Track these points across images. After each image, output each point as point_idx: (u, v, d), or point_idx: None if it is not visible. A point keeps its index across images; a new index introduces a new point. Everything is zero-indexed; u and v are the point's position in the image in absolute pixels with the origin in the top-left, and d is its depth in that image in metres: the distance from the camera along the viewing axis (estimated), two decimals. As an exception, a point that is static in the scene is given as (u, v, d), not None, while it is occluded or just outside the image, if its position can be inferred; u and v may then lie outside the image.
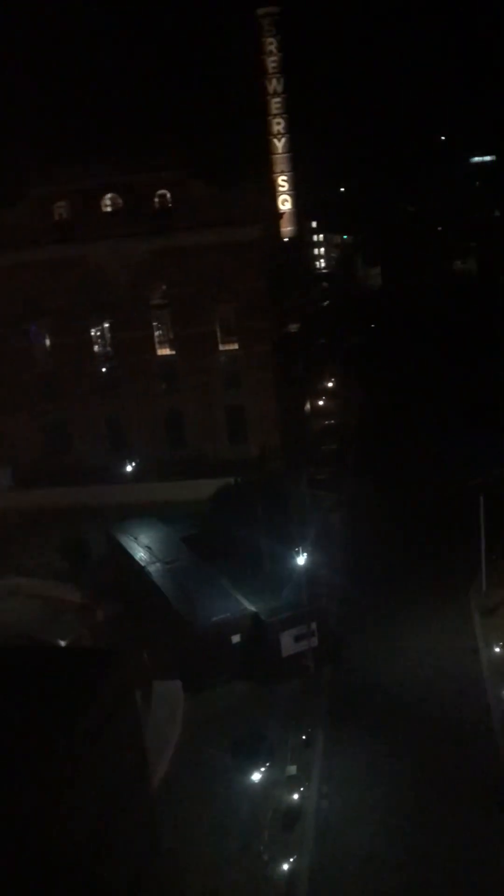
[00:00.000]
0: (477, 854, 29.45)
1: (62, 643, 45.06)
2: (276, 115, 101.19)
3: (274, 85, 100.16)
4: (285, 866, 29.26)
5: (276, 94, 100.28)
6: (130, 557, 49.85)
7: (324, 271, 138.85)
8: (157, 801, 23.06)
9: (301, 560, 41.21)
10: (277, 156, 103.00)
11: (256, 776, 30.70)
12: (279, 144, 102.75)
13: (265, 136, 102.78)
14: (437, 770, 33.95)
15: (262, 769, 32.01)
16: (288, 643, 41.52)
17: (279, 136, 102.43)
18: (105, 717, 16.39)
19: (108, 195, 68.45)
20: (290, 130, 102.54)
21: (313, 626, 41.48)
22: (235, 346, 69.65)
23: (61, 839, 10.84)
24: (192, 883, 28.32)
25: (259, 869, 28.86)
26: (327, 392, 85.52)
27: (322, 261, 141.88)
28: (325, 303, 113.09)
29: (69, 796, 14.31)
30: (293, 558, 41.62)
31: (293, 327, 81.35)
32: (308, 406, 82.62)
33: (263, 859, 29.18)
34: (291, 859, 29.65)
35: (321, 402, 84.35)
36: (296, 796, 32.77)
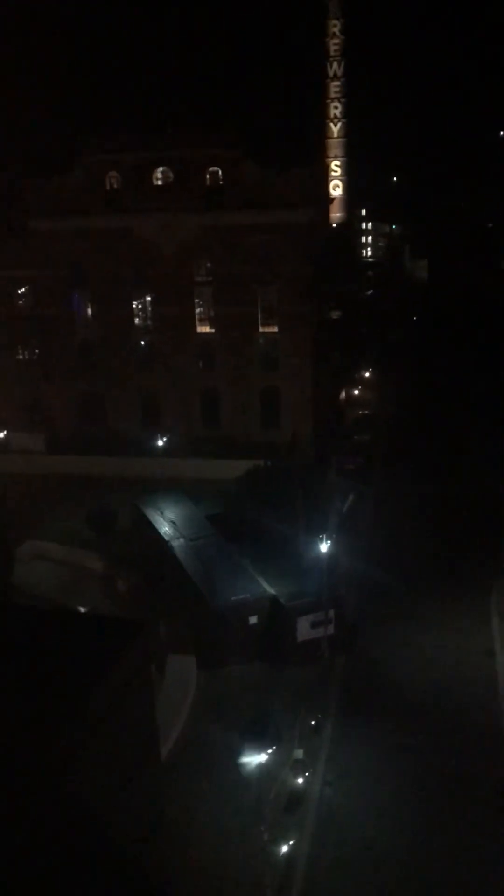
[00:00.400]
0: (478, 854, 29.43)
1: (82, 610, 45.68)
2: (333, 99, 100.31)
3: (334, 68, 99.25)
4: (285, 848, 29.54)
5: (335, 77, 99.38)
6: (155, 531, 50.27)
7: (370, 260, 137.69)
8: (163, 774, 23.42)
9: (324, 548, 41.21)
10: (332, 140, 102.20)
11: (263, 757, 30.92)
12: (335, 128, 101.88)
13: (321, 119, 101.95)
14: (444, 768, 33.91)
15: (269, 751, 32.21)
16: (304, 628, 41.65)
17: (335, 121, 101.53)
18: (121, 685, 16.60)
19: (160, 168, 68.40)
20: (347, 115, 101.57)
21: (331, 613, 41.56)
22: (275, 329, 69.51)
23: (69, 805, 11.03)
24: (193, 856, 28.76)
25: (259, 848, 29.14)
26: (364, 382, 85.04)
27: (369, 249, 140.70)
28: (369, 292, 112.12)
29: (81, 760, 14.55)
30: (316, 545, 41.63)
31: (335, 314, 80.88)
32: (343, 395, 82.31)
33: (264, 839, 29.44)
34: (291, 842, 29.92)
35: (357, 392, 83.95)
36: (300, 781, 33.01)
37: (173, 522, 50.71)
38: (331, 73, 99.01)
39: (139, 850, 17.22)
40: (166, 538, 48.91)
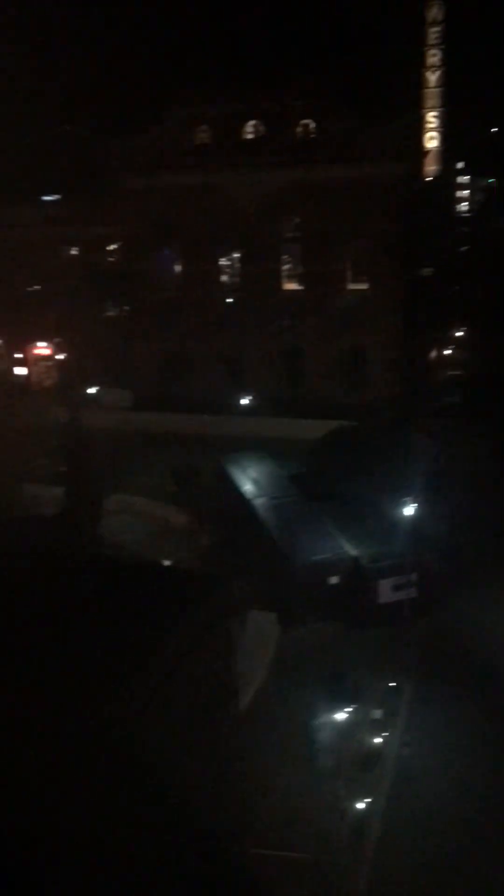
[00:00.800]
0: None
1: (165, 563, 46.54)
2: (432, 46, 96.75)
3: (434, 12, 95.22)
4: (359, 805, 29.67)
5: (435, 22, 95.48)
6: (237, 489, 50.51)
7: (465, 216, 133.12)
8: (240, 726, 23.78)
9: (408, 510, 40.54)
10: (429, 90, 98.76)
11: (341, 715, 30.96)
12: (432, 78, 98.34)
13: (418, 68, 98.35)
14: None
15: (347, 709, 32.23)
16: (386, 590, 41.29)
17: (433, 69, 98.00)
18: (201, 636, 16.86)
19: (251, 122, 67.36)
20: (446, 63, 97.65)
21: (414, 576, 41.02)
22: (365, 286, 68.16)
23: (146, 748, 11.24)
24: (266, 807, 29.22)
25: (334, 803, 29.37)
26: (455, 342, 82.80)
27: (465, 205, 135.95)
28: (463, 248, 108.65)
29: (157, 707, 14.82)
30: (400, 508, 41.00)
31: (427, 271, 78.79)
32: (433, 354, 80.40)
33: (339, 795, 29.63)
34: (366, 799, 30.03)
35: (447, 352, 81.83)
36: (378, 740, 33.01)
37: (256, 481, 50.82)
38: (430, 19, 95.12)
39: (212, 801, 17.54)
40: (248, 496, 49.09)
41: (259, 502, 48.25)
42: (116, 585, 17.25)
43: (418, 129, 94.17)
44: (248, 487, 50.24)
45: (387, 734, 33.49)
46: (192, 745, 16.10)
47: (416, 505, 41.13)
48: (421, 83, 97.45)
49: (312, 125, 66.00)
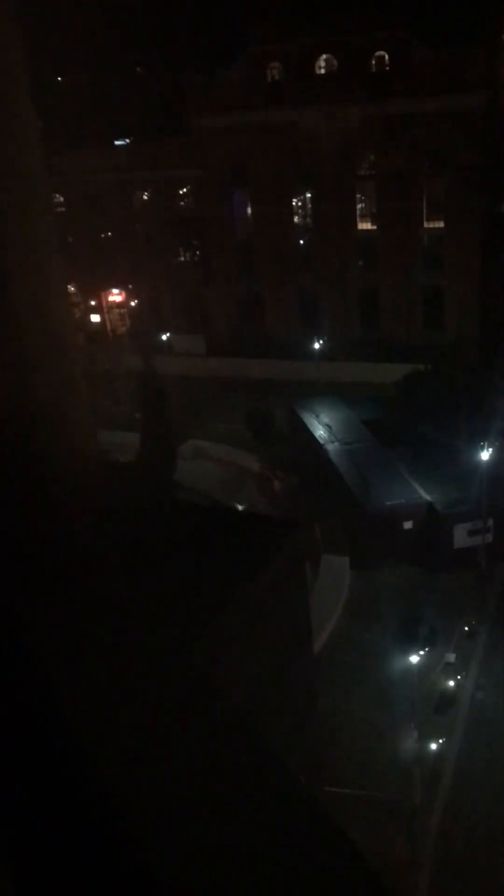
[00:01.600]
0: None
1: (239, 507, 47.17)
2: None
3: None
4: (434, 746, 30.08)
5: None
6: (311, 434, 50.52)
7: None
8: (317, 669, 24.26)
9: (485, 455, 39.92)
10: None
11: (415, 658, 31.25)
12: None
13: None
14: None
15: (422, 652, 32.48)
16: (461, 536, 41.05)
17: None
18: (275, 580, 17.18)
19: (323, 56, 65.23)
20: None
21: (490, 522, 40.60)
22: (441, 225, 66.11)
23: (224, 693, 11.68)
24: (343, 746, 29.92)
25: (409, 744, 29.83)
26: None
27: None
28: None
29: (235, 650, 15.27)
30: (477, 453, 40.39)
31: (507, 208, 75.72)
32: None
33: (414, 735, 30.07)
34: (441, 741, 30.40)
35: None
36: (452, 683, 33.23)
37: (329, 426, 50.71)
38: None
39: (292, 739, 18.05)
40: (322, 442, 49.08)
41: (333, 447, 48.24)
42: (194, 531, 17.63)
43: (499, 56, 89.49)
44: (321, 433, 50.21)
45: (461, 677, 33.68)
46: (270, 686, 16.57)
47: (492, 451, 40.46)
48: (501, 6, 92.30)
49: (386, 57, 63.53)
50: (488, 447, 40.09)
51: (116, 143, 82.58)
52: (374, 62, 64.37)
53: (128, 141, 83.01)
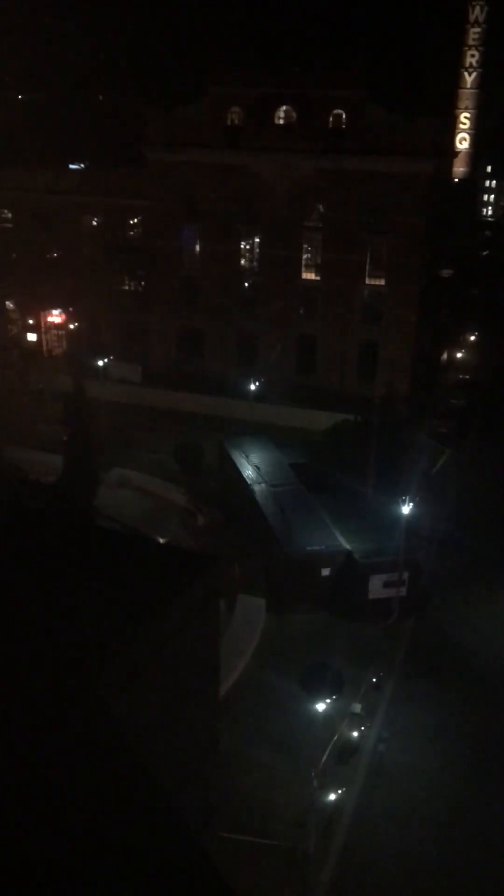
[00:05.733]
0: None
1: (161, 539, 46.76)
2: (471, 47, 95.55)
3: (476, 13, 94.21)
4: (332, 796, 29.95)
5: (476, 23, 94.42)
6: (238, 473, 50.65)
7: (489, 219, 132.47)
8: (221, 709, 23.98)
9: (406, 509, 40.65)
10: (465, 90, 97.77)
11: (321, 706, 31.20)
12: (469, 78, 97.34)
13: (456, 67, 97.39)
14: (501, 743, 33.57)
15: (328, 701, 32.48)
16: (376, 586, 41.50)
17: (471, 70, 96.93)
18: (191, 613, 17.05)
19: (283, 107, 66.88)
20: (484, 65, 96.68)
21: (405, 575, 41.20)
22: (382, 282, 67.91)
23: (129, 721, 11.45)
24: (243, 789, 29.53)
25: (307, 792, 29.64)
26: (467, 345, 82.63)
27: (490, 208, 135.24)
28: (485, 252, 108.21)
29: (144, 681, 15.01)
30: (398, 506, 41.11)
31: (446, 272, 78.45)
32: (444, 356, 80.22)
33: (313, 784, 29.89)
34: (339, 791, 30.30)
35: (458, 355, 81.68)
36: (355, 734, 33.27)
37: (257, 467, 50.96)
38: (472, 19, 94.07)
39: (186, 776, 17.75)
40: (249, 481, 49.23)
41: (258, 488, 48.42)
42: (110, 557, 17.38)
43: (450, 129, 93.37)
44: (249, 472, 50.39)
45: (364, 728, 33.77)
46: (171, 720, 16.31)
47: (413, 505, 41.24)
48: (457, 83, 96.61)
49: (343, 115, 65.52)
50: (409, 502, 40.85)
51: (71, 166, 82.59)
52: (331, 118, 66.28)
53: (82, 165, 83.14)
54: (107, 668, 13.25)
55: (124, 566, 17.16)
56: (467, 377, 76.74)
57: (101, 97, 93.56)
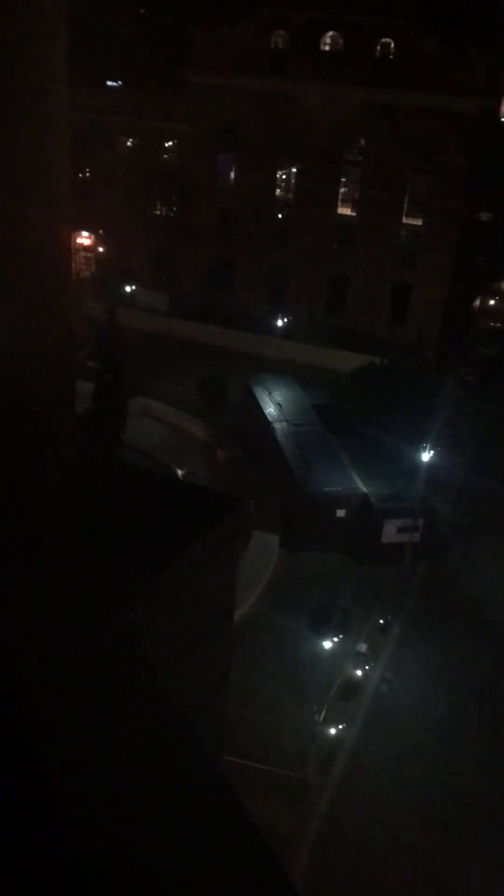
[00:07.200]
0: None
1: (179, 471, 47.27)
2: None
3: None
4: (333, 731, 30.96)
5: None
6: (260, 410, 50.74)
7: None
8: (233, 641, 24.72)
9: (426, 456, 40.74)
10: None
11: (327, 644, 31.99)
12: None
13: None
14: None
15: (335, 639, 33.26)
16: (390, 531, 41.93)
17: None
18: (211, 553, 17.56)
19: (330, 33, 64.49)
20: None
21: (420, 521, 41.55)
22: (420, 222, 66.47)
23: (155, 650, 12.02)
24: (248, 717, 30.57)
25: (309, 725, 30.64)
26: (502, 294, 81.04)
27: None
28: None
29: (166, 612, 15.56)
30: (418, 453, 41.20)
31: (485, 216, 76.46)
32: (478, 303, 78.87)
33: (315, 718, 30.88)
34: (341, 726, 31.30)
35: (492, 302, 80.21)
36: (359, 672, 34.15)
37: (280, 405, 50.99)
38: None
39: (202, 703, 18.49)
40: (270, 419, 49.36)
41: (279, 426, 48.58)
42: (137, 495, 17.75)
43: (501, 65, 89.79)
44: (272, 410, 50.48)
45: (368, 668, 34.63)
46: (190, 652, 16.96)
47: (433, 452, 41.33)
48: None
49: (392, 45, 63.13)
50: (430, 449, 40.92)
51: (109, 83, 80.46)
52: (379, 48, 63.91)
53: (119, 83, 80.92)
54: (138, 598, 13.82)
55: (150, 504, 17.54)
56: (499, 325, 75.59)
57: (141, 10, 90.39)
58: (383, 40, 63.21)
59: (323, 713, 31.41)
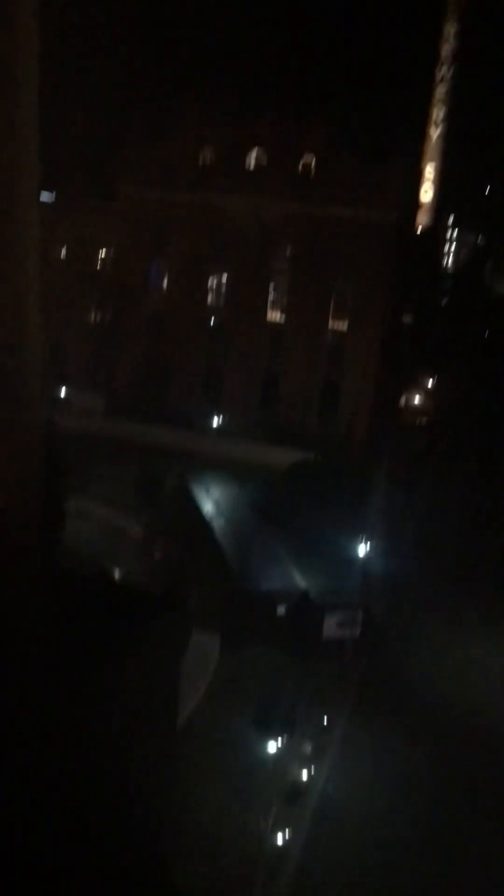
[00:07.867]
0: (473, 868, 29.43)
1: (118, 572, 46.61)
2: (438, 102, 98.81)
3: (443, 71, 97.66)
4: (279, 837, 29.98)
5: (443, 80, 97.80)
6: (198, 507, 50.88)
7: (450, 270, 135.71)
8: (175, 743, 24.13)
9: (363, 549, 41.29)
10: (431, 144, 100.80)
11: (271, 746, 31.31)
12: (434, 133, 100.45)
13: (422, 120, 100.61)
14: (452, 787, 33.75)
15: (278, 740, 32.61)
16: (330, 626, 41.86)
17: (437, 125, 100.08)
18: (145, 660, 17.45)
19: (255, 148, 68.50)
20: (450, 120, 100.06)
21: (359, 615, 41.65)
22: (346, 324, 69.27)
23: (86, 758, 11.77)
24: (194, 825, 29.43)
25: (255, 832, 29.66)
26: (426, 390, 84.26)
27: (450, 258, 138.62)
28: (444, 301, 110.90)
29: (106, 710, 15.33)
30: (356, 545, 41.74)
31: (407, 319, 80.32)
32: (403, 400, 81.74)
33: (261, 825, 29.94)
34: (286, 831, 30.33)
35: (417, 400, 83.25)
36: (304, 774, 33.33)
37: (217, 502, 51.26)
38: (439, 76, 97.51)
39: (145, 808, 17.94)
40: (208, 517, 49.47)
41: (218, 524, 48.68)
42: (67, 603, 17.66)
43: (417, 180, 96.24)
44: (208, 507, 50.65)
45: (313, 769, 33.84)
46: (131, 758, 16.53)
47: (370, 545, 41.93)
48: (424, 136, 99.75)
49: (314, 161, 67.30)
50: (367, 540, 41.51)
51: (42, 192, 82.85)
52: (301, 164, 68.02)
53: (55, 194, 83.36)
54: (58, 728, 13.63)
55: (83, 612, 17.46)
56: (425, 420, 78.19)
57: (73, 125, 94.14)
58: (305, 155, 67.34)
59: (268, 819, 30.44)
